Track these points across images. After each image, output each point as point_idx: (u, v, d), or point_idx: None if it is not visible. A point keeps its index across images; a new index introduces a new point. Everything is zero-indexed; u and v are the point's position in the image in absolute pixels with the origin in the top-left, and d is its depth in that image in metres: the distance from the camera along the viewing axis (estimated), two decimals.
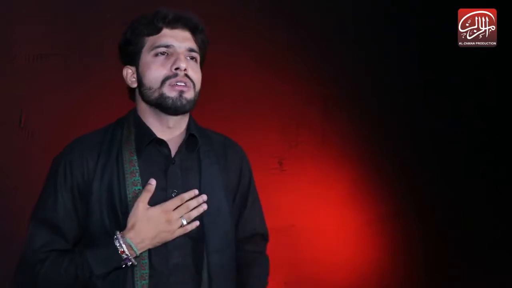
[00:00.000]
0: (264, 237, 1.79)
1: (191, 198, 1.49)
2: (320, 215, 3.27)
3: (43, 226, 1.47)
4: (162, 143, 1.54)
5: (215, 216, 1.54)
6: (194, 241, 1.52)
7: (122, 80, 2.50)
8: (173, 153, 1.54)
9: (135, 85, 1.57)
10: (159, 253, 1.48)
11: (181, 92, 1.49)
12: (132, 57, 1.56)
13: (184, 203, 1.48)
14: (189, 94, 1.51)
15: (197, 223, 1.49)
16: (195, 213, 1.48)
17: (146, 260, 1.46)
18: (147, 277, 1.45)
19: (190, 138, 1.57)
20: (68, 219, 1.48)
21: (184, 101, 1.50)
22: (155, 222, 1.44)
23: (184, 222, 1.47)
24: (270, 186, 3.07)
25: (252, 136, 2.99)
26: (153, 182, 1.46)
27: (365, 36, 3.45)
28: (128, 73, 1.58)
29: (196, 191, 1.49)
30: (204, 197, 1.49)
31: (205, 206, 1.49)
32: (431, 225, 3.57)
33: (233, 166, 1.67)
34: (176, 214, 1.46)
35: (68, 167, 1.49)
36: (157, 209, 1.45)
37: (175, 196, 1.49)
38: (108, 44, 2.61)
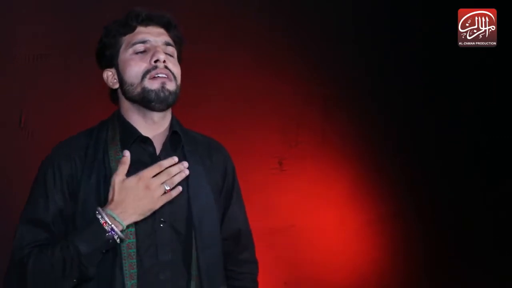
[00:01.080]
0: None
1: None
2: (320, 215, 3.27)
3: (33, 226, 1.47)
4: (147, 141, 1.54)
5: (203, 213, 1.55)
6: (183, 237, 1.52)
7: None
8: (158, 151, 1.55)
9: (116, 85, 1.59)
10: (148, 250, 1.48)
11: (163, 84, 1.50)
12: (110, 59, 1.58)
13: (164, 170, 1.44)
14: (171, 86, 1.52)
15: (180, 188, 1.45)
16: (178, 178, 1.44)
17: (135, 260, 1.45)
18: (136, 276, 1.44)
19: (174, 136, 1.58)
20: (59, 220, 1.48)
21: (167, 93, 1.51)
22: (133, 190, 1.41)
23: (167, 188, 1.43)
24: (270, 186, 3.08)
25: (252, 136, 2.99)
26: (127, 153, 1.44)
27: (365, 36, 3.44)
28: (109, 75, 1.60)
29: (176, 158, 1.45)
30: (185, 163, 1.46)
31: (187, 172, 1.45)
32: (431, 225, 3.57)
33: (217, 166, 1.68)
34: (155, 181, 1.42)
35: (57, 169, 1.50)
36: (133, 178, 1.42)
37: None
38: None
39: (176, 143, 1.58)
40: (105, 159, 1.51)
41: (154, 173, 1.43)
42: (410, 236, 3.53)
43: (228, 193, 1.71)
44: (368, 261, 3.43)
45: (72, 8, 2.53)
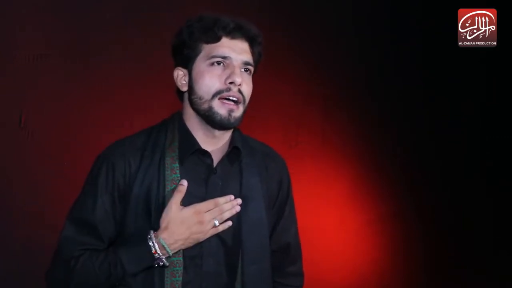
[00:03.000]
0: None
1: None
2: (320, 215, 3.27)
3: (80, 225, 1.48)
4: (205, 154, 1.53)
5: (254, 227, 1.55)
6: (229, 250, 1.53)
7: (122, 80, 2.50)
8: (215, 162, 1.54)
9: (185, 88, 1.55)
10: (193, 260, 1.48)
11: (230, 111, 1.49)
12: (186, 60, 1.54)
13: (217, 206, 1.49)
14: (238, 112, 1.51)
15: (229, 223, 1.50)
16: (228, 214, 1.49)
17: (179, 268, 1.46)
18: (179, 285, 1.46)
19: (233, 150, 1.57)
20: (106, 220, 1.49)
21: (232, 120, 1.50)
22: (188, 223, 1.44)
23: (217, 223, 1.47)
24: None
25: (252, 136, 2.99)
26: (184, 183, 1.47)
27: (365, 36, 3.44)
28: (179, 75, 1.56)
29: (232, 197, 1.50)
30: (238, 200, 1.50)
31: (238, 208, 1.50)
32: (431, 225, 3.57)
33: (273, 177, 1.67)
34: (208, 216, 1.46)
35: (110, 169, 1.49)
36: (190, 210, 1.46)
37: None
38: (108, 44, 2.62)
39: (235, 157, 1.57)
40: (161, 165, 1.50)
41: (209, 208, 1.47)
42: (410, 236, 3.53)
43: (281, 205, 1.69)
44: (368, 261, 3.43)
45: (72, 8, 2.54)
